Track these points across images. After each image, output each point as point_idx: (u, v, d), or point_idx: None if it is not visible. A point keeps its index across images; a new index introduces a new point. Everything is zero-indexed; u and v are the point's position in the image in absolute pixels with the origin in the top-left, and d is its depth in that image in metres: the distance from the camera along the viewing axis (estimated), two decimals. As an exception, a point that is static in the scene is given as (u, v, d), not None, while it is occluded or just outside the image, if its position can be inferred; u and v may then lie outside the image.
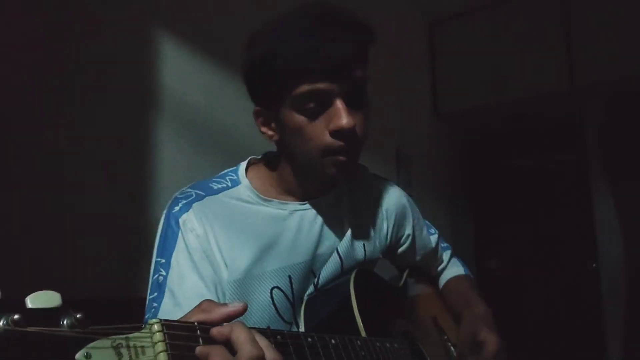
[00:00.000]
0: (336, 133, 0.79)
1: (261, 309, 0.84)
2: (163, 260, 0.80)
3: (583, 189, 3.22)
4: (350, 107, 0.79)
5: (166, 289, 0.78)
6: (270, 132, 0.87)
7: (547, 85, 3.03)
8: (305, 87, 0.77)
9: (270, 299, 0.84)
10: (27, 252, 1.20)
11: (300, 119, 0.80)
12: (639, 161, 2.95)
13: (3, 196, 1.18)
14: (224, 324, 0.55)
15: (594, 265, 3.15)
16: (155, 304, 0.77)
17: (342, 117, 0.77)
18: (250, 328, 0.56)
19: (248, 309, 0.80)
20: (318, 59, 0.76)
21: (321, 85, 0.77)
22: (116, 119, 1.44)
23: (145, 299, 0.81)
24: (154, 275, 0.80)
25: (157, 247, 0.83)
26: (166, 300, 0.77)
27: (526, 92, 3.08)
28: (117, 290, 1.33)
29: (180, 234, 0.81)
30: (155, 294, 0.78)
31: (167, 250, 0.81)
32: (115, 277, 1.33)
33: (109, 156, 1.41)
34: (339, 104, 0.78)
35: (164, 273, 0.79)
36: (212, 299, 0.78)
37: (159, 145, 1.55)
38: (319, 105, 0.79)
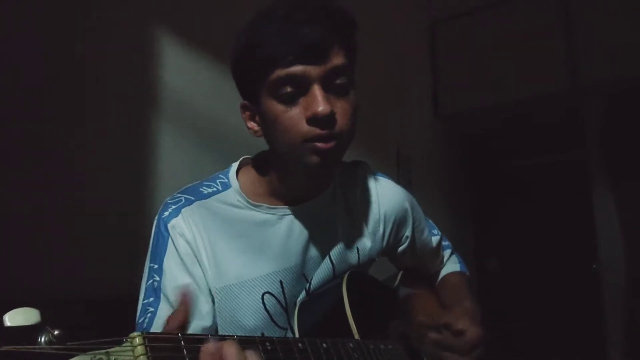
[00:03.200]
0: (312, 120, 0.76)
1: (254, 315, 0.83)
2: (156, 266, 0.80)
3: (583, 189, 3.21)
4: (331, 94, 0.77)
5: (161, 294, 0.78)
6: (255, 127, 0.85)
7: (548, 85, 3.01)
8: (279, 72, 0.75)
9: (262, 305, 0.84)
10: (27, 252, 1.20)
11: (277, 107, 0.77)
12: (639, 161, 2.95)
13: (3, 196, 1.17)
14: (214, 341, 0.53)
15: (594, 265, 3.14)
16: (151, 309, 0.77)
17: (319, 103, 0.75)
18: (238, 337, 0.55)
19: (240, 315, 0.80)
20: (290, 42, 0.74)
21: (296, 69, 0.75)
22: (116, 118, 1.44)
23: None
24: (148, 280, 0.80)
25: (149, 253, 0.83)
26: (162, 305, 0.77)
27: (526, 93, 3.07)
28: (117, 290, 1.33)
29: (169, 239, 0.81)
30: (152, 298, 0.78)
31: (158, 256, 0.81)
32: (115, 277, 1.32)
33: (109, 156, 1.41)
34: (316, 89, 0.76)
35: (157, 278, 0.79)
36: (205, 301, 0.79)
37: (159, 145, 1.55)
38: (296, 91, 0.76)
